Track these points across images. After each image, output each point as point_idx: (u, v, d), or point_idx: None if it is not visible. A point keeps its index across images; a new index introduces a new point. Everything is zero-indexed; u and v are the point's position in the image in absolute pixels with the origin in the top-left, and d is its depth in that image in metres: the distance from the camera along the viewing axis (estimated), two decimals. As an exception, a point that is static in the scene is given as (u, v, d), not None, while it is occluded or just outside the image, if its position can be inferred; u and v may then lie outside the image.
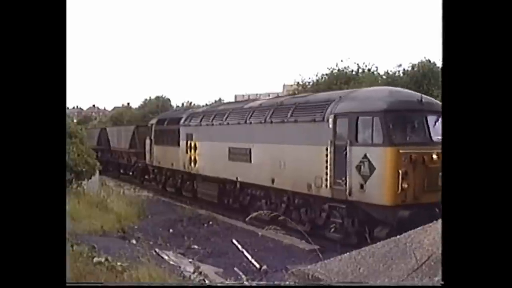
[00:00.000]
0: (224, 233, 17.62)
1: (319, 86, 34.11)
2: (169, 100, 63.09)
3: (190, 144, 23.99)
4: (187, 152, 24.21)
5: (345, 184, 13.93)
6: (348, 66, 36.64)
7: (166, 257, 13.31)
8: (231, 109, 21.55)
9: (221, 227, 18.63)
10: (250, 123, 19.00)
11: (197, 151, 23.45)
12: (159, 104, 58.89)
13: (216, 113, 22.46)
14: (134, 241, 15.19)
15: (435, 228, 7.03)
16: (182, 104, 65.09)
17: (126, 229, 17.25)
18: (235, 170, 19.90)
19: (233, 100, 67.36)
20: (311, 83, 36.59)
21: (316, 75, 36.96)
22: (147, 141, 29.91)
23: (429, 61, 31.95)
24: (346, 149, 13.93)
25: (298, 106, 16.72)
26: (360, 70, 36.03)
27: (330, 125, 14.65)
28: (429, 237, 6.89)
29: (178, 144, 25.14)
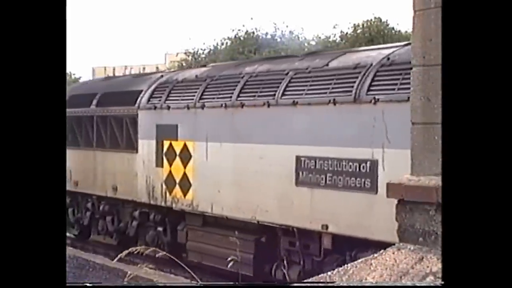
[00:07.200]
0: (74, 274, 12.59)
1: (217, 55, 25.35)
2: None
3: (171, 147, 12.40)
4: (159, 164, 12.63)
5: None
6: (260, 28, 27.68)
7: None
8: (298, 71, 10.26)
9: (70, 266, 12.95)
10: (375, 100, 8.77)
11: (190, 164, 11.98)
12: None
13: (248, 79, 11.07)
14: None
15: (383, 260, 4.71)
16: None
17: None
18: (319, 210, 9.60)
19: (91, 77, 49.06)
20: (206, 51, 27.37)
21: (215, 40, 28.56)
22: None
23: (380, 20, 23.51)
24: None
25: None
26: (278, 33, 27.24)
27: None
28: (374, 273, 4.67)
29: (133, 148, 13.36)
